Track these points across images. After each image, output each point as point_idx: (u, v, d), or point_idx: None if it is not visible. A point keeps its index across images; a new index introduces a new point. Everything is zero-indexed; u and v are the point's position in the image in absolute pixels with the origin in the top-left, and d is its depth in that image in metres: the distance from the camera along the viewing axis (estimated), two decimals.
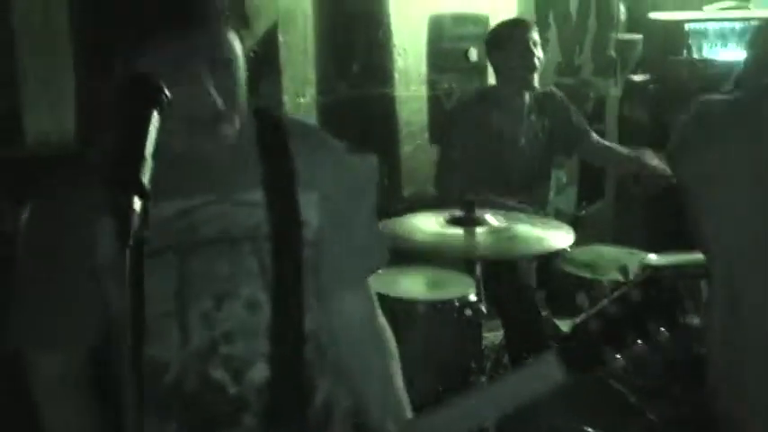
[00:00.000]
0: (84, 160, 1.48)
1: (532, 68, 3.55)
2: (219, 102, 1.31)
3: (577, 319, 1.37)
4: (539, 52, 3.57)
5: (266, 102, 4.13)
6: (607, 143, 3.89)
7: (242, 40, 1.37)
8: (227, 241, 1.41)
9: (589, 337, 1.34)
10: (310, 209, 1.46)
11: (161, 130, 1.20)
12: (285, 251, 1.43)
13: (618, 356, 1.33)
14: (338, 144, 1.58)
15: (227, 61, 1.32)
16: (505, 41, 3.59)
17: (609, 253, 3.29)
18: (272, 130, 1.49)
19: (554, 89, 3.89)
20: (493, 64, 3.74)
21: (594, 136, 3.82)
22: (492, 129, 3.63)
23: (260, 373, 1.44)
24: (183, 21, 1.26)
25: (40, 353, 1.50)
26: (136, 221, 0.99)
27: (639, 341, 1.33)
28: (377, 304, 1.65)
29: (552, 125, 3.77)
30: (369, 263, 1.62)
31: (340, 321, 1.56)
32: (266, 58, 4.11)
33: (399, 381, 1.61)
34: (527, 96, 3.67)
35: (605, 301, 1.36)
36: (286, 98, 4.24)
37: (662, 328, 1.32)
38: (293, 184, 1.45)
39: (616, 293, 1.37)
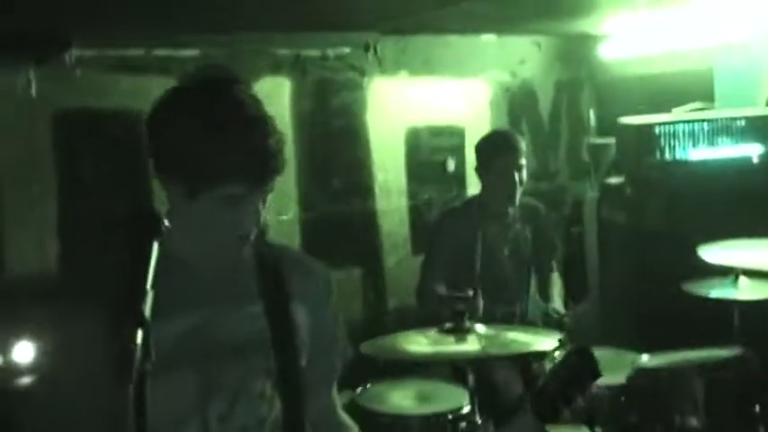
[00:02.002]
0: (71, 287, 1.60)
1: (514, 191, 3.63)
2: (262, 219, 1.55)
3: (540, 382, 1.86)
4: (523, 175, 3.64)
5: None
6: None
7: None
8: (240, 347, 1.58)
9: (549, 395, 1.76)
10: (301, 319, 1.67)
11: (186, 252, 1.50)
12: (286, 354, 1.62)
13: (566, 409, 1.76)
14: (317, 264, 1.80)
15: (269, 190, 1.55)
16: (490, 163, 3.65)
17: (597, 355, 3.27)
18: (266, 253, 1.68)
19: (538, 204, 3.95)
20: (479, 177, 3.79)
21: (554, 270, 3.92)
22: (476, 238, 3.66)
23: None
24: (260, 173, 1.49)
25: None
26: (139, 355, 1.03)
27: (580, 397, 1.80)
28: (338, 401, 1.87)
29: (534, 236, 3.82)
30: (339, 362, 1.83)
31: (312, 419, 1.72)
32: None
33: None
34: (511, 208, 3.73)
35: (557, 367, 1.84)
36: (268, 216, 4.27)
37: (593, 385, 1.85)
38: (286, 298, 1.65)
39: (562, 360, 1.85)
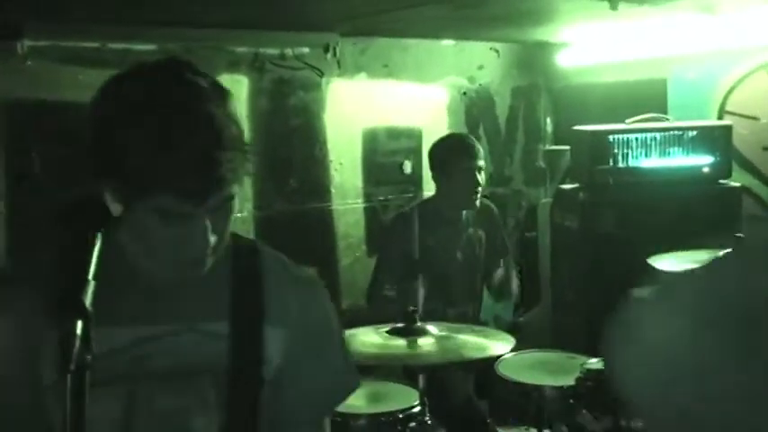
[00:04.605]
0: (16, 278, 1.44)
1: (476, 194, 3.64)
2: (213, 240, 1.28)
3: None
4: (482, 178, 3.66)
5: None
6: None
7: None
8: (183, 373, 1.34)
9: None
10: (274, 346, 1.40)
11: (139, 259, 1.28)
12: (243, 387, 1.36)
13: None
14: (310, 277, 1.53)
15: (227, 200, 1.28)
16: (451, 167, 3.64)
17: (548, 358, 3.31)
18: (246, 260, 1.44)
19: (491, 204, 3.96)
20: (435, 181, 3.79)
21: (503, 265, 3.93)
22: (429, 243, 3.67)
23: None
24: (200, 178, 1.22)
25: None
26: (78, 346, 0.99)
27: None
28: None
29: (488, 238, 3.84)
30: (331, 399, 1.54)
31: None
32: None
33: None
34: (467, 211, 3.75)
35: None
36: None
37: None
38: (261, 318, 1.39)
39: None
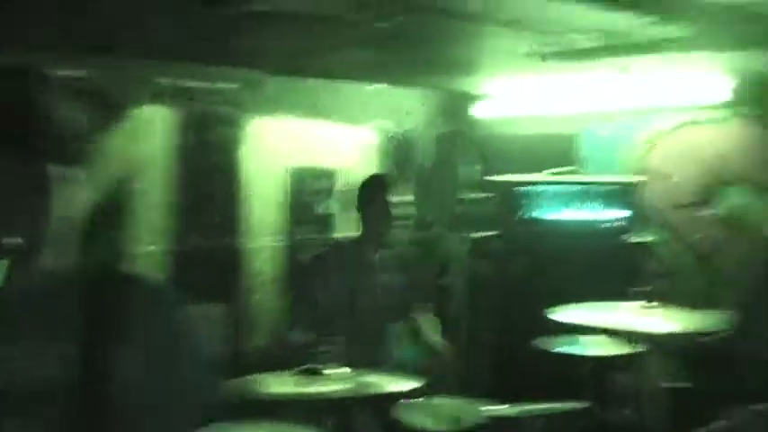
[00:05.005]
0: None
1: (387, 227, 3.74)
2: (41, 221, 1.29)
3: None
4: (395, 211, 3.75)
5: (114, 249, 4.05)
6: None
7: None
8: (29, 393, 1.32)
9: None
10: (127, 364, 1.39)
11: None
12: (92, 408, 1.35)
13: None
14: (163, 293, 1.54)
15: (43, 177, 1.31)
16: (366, 202, 3.77)
17: (448, 404, 3.33)
18: (100, 279, 1.44)
19: (409, 250, 4.03)
20: (360, 213, 3.87)
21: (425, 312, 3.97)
22: (344, 285, 3.70)
23: None
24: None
25: None
26: None
27: None
28: None
29: (405, 282, 3.88)
30: (191, 410, 1.54)
31: None
32: (118, 206, 4.06)
33: None
34: (383, 251, 3.80)
35: None
36: (136, 246, 4.17)
37: None
38: (114, 336, 1.38)
39: None
